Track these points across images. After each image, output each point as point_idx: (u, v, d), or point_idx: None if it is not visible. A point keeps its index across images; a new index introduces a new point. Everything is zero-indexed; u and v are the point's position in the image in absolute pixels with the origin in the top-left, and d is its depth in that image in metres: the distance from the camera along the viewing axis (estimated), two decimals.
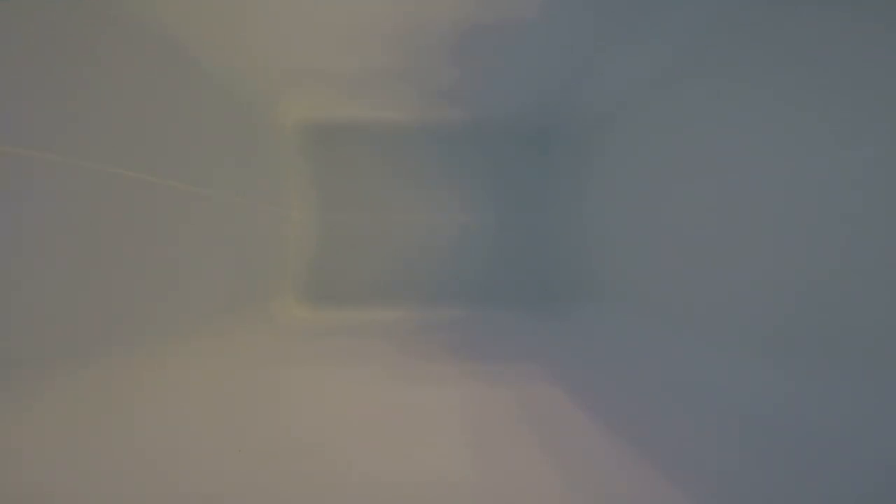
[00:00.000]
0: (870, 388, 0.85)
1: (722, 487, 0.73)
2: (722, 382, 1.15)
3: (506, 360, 1.54)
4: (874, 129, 0.85)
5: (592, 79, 1.83)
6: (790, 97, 1.03)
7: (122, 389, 1.10)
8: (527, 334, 1.99)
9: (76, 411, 0.96)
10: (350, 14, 1.39)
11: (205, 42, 1.47)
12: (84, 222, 1.09)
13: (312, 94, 2.13)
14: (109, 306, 1.17)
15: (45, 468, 0.77)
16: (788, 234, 1.04)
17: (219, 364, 1.42)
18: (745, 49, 1.17)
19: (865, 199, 0.87)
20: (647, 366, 1.39)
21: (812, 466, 0.78)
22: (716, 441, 0.89)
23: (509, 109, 2.34)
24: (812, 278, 0.98)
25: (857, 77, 0.88)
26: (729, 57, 1.23)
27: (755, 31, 1.13)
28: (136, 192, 1.24)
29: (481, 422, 1.00)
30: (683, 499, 0.69)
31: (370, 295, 2.60)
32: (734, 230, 1.21)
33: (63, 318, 1.03)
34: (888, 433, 0.79)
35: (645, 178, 1.70)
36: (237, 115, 1.84)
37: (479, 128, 2.62)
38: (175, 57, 1.41)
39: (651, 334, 1.59)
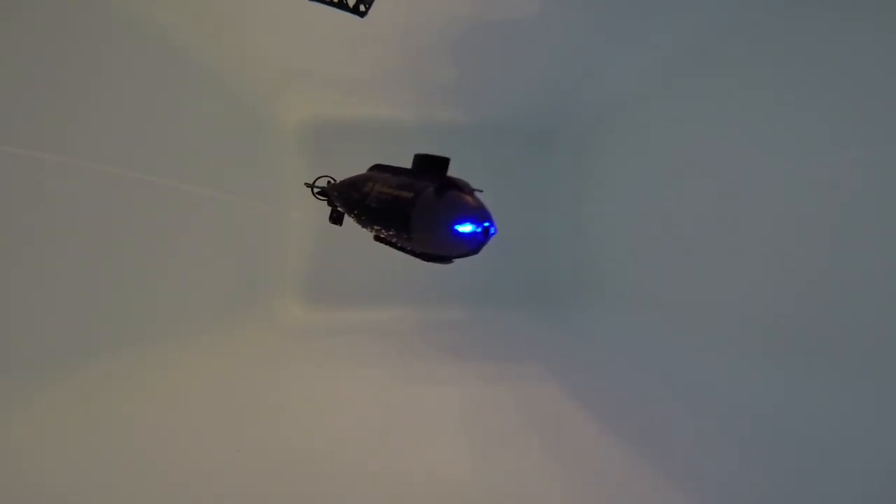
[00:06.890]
0: (869, 389, 0.85)
1: (721, 487, 0.73)
2: (722, 383, 1.15)
3: (506, 360, 1.54)
4: (872, 130, 0.85)
5: (593, 79, 1.83)
6: (789, 97, 1.03)
7: (122, 389, 1.10)
8: (527, 334, 1.99)
9: (76, 411, 0.96)
10: (350, 15, 1.39)
11: (204, 43, 1.46)
12: (85, 223, 1.09)
13: (312, 94, 2.12)
14: (109, 306, 1.17)
15: (45, 468, 0.77)
16: (788, 234, 1.04)
17: (218, 364, 1.41)
18: (745, 49, 1.16)
19: (863, 199, 0.87)
20: (647, 366, 1.39)
21: (811, 467, 0.78)
22: (715, 441, 0.90)
23: (509, 109, 2.33)
24: (812, 279, 0.98)
25: (854, 78, 0.88)
26: (729, 57, 1.22)
27: (755, 31, 1.13)
28: (135, 193, 1.24)
29: (481, 422, 1.00)
30: (682, 498, 0.69)
31: (370, 295, 2.60)
32: (734, 230, 1.21)
33: (63, 318, 1.03)
34: (887, 434, 0.79)
35: (645, 179, 1.70)
36: (236, 115, 1.84)
37: (479, 128, 2.62)
38: (174, 57, 1.41)
39: (651, 334, 1.58)
